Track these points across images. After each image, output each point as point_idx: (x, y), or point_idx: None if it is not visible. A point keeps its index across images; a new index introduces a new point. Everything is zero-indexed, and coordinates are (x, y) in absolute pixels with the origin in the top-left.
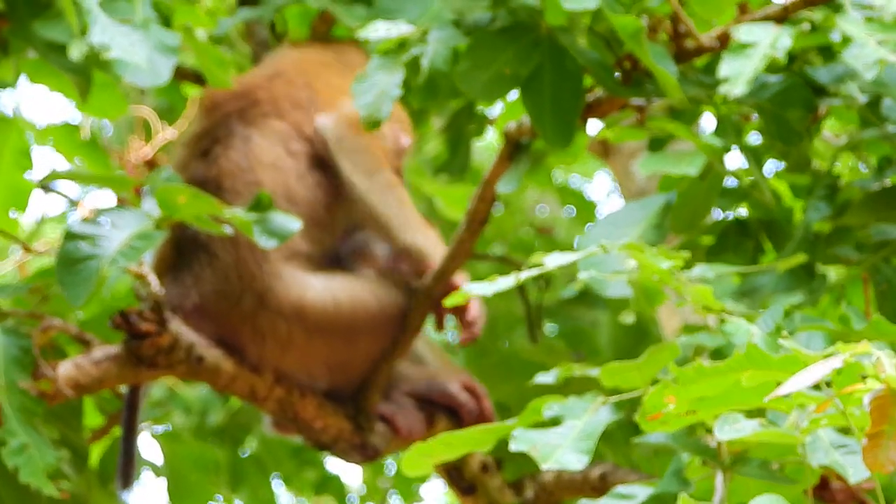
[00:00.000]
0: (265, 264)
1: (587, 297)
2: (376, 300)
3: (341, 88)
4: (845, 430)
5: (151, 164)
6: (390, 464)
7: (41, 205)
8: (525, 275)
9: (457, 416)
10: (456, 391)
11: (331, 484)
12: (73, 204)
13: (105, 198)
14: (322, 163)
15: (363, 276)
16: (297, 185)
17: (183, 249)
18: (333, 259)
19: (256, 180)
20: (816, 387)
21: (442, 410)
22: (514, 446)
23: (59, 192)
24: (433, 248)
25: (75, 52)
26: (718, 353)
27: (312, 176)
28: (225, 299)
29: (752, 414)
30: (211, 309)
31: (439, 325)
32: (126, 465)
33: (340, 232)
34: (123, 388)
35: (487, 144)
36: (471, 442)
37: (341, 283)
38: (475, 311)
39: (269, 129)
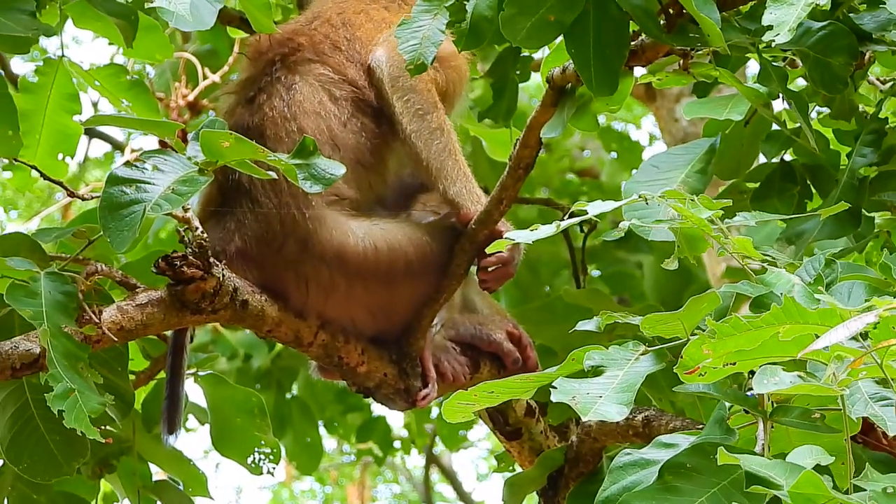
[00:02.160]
0: (308, 210)
1: (631, 240)
2: (417, 246)
3: (389, 21)
4: (883, 382)
5: (195, 109)
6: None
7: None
8: (567, 223)
9: (501, 364)
10: (501, 339)
11: (375, 428)
12: (117, 147)
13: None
14: (369, 106)
15: (406, 221)
16: (342, 130)
17: (226, 195)
18: (386, 202)
19: (299, 127)
20: (854, 339)
21: (487, 356)
22: (555, 397)
23: (103, 135)
24: (473, 201)
25: None
26: (759, 303)
27: (358, 120)
28: (267, 245)
29: (790, 366)
30: (254, 254)
31: (480, 269)
32: (171, 410)
33: (392, 175)
34: (168, 333)
35: (533, 87)
36: (512, 390)
37: (382, 228)
38: (509, 269)
39: (312, 74)
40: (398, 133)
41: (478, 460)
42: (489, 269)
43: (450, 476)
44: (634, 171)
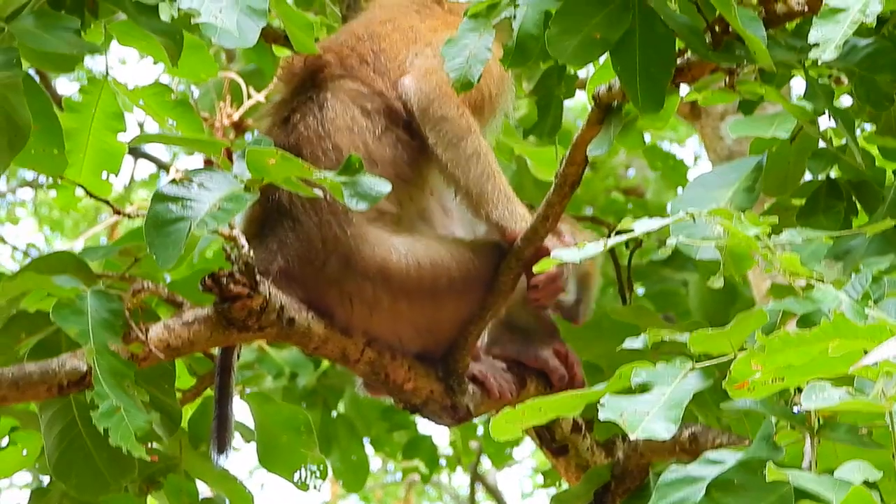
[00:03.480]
0: (349, 227)
1: (677, 258)
2: (460, 262)
3: (416, 30)
4: None
5: (239, 128)
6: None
7: (130, 167)
8: (613, 240)
9: (548, 381)
10: (548, 357)
11: (421, 446)
12: (162, 167)
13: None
14: (401, 118)
15: (449, 238)
16: (377, 144)
17: (267, 215)
18: (429, 216)
19: (334, 145)
20: None
21: (533, 373)
22: (602, 415)
23: (148, 156)
24: (518, 222)
25: (165, 14)
26: (806, 320)
27: (392, 133)
28: (310, 264)
29: (839, 381)
30: (297, 273)
31: (530, 288)
32: (221, 430)
33: (433, 187)
34: (215, 351)
35: (578, 105)
36: (560, 407)
37: (425, 245)
38: (558, 284)
39: (342, 90)
40: (436, 161)
41: (523, 478)
42: (539, 287)
43: (495, 494)
44: (679, 189)
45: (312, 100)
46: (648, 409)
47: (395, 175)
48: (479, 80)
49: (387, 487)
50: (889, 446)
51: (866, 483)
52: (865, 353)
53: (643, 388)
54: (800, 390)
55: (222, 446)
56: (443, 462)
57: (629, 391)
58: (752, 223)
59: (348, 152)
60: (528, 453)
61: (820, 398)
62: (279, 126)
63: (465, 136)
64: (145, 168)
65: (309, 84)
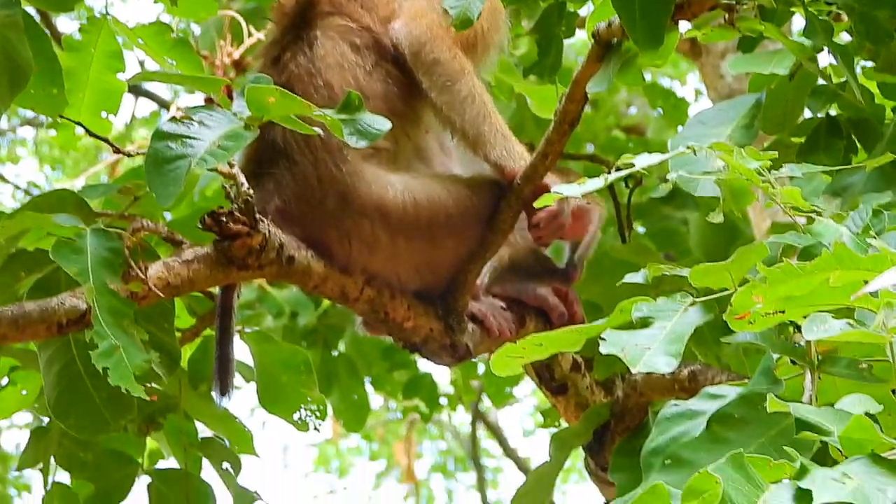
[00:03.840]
0: (344, 165)
1: (677, 196)
2: (458, 199)
3: None
4: None
5: (239, 66)
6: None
7: (131, 106)
8: (614, 175)
9: (547, 319)
10: (547, 294)
11: (421, 385)
12: (163, 105)
13: (196, 99)
14: (391, 52)
15: (447, 175)
16: (368, 79)
17: (262, 156)
18: (427, 154)
19: (325, 82)
20: None
21: (532, 312)
22: (603, 349)
23: (149, 94)
24: (516, 160)
25: None
26: (807, 253)
27: (382, 68)
28: (307, 203)
29: (840, 313)
30: (294, 213)
31: (531, 226)
32: (222, 372)
33: (428, 123)
34: (215, 290)
35: (577, 43)
36: (560, 342)
37: (423, 182)
38: (561, 220)
39: (331, 27)
40: (431, 104)
41: (524, 416)
42: (540, 225)
43: (496, 432)
44: (680, 127)
45: (302, 38)
46: (649, 344)
47: (388, 110)
48: (476, 17)
49: (388, 425)
50: (889, 380)
51: (867, 415)
52: (866, 283)
53: (644, 323)
54: (799, 328)
55: (224, 388)
56: (443, 401)
57: (630, 326)
58: (753, 157)
59: (339, 89)
60: (529, 392)
61: (821, 329)
62: (270, 66)
63: (458, 79)
64: (146, 106)
65: (299, 22)
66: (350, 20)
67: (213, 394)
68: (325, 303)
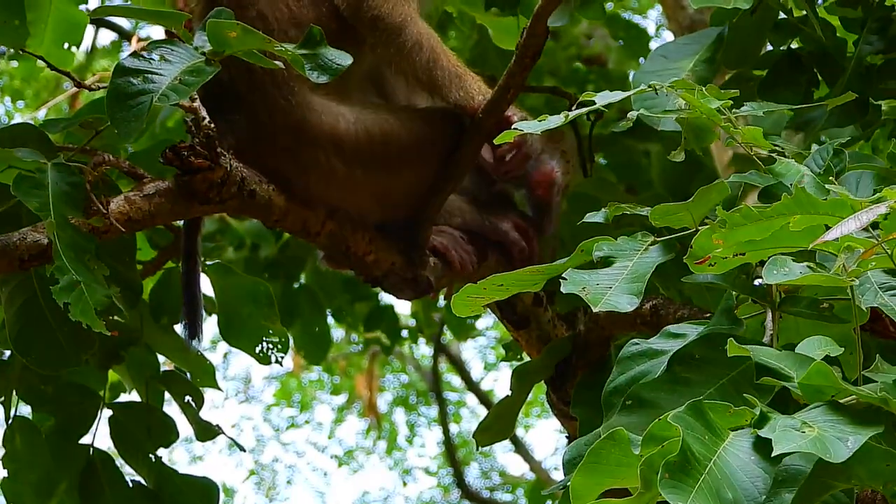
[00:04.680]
0: (293, 97)
1: (638, 129)
2: (412, 131)
3: None
4: (893, 273)
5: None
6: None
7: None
8: (575, 112)
9: (507, 254)
10: (508, 229)
11: (383, 317)
12: (124, 35)
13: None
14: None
15: (401, 107)
16: (299, 7)
17: (211, 95)
18: (380, 81)
19: (258, 13)
20: (864, 230)
21: (493, 245)
22: (564, 288)
23: (110, 24)
24: (475, 97)
25: None
26: (768, 193)
27: None
28: (261, 138)
29: (800, 256)
30: (249, 149)
31: (497, 160)
32: (191, 314)
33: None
34: (179, 225)
35: None
36: (521, 282)
37: (375, 112)
38: (525, 149)
39: None
40: (378, 56)
41: (486, 350)
42: (505, 158)
43: (458, 365)
44: (642, 59)
45: None
46: (611, 283)
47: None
48: None
49: (350, 358)
50: (850, 320)
51: (827, 358)
52: (827, 228)
53: (605, 263)
54: (762, 264)
55: (194, 331)
56: (405, 334)
57: (591, 265)
58: (714, 96)
59: (273, 18)
60: (491, 324)
61: (781, 273)
62: (207, 3)
63: (401, 29)
64: (106, 36)
65: None
66: None
67: (183, 336)
68: (287, 234)
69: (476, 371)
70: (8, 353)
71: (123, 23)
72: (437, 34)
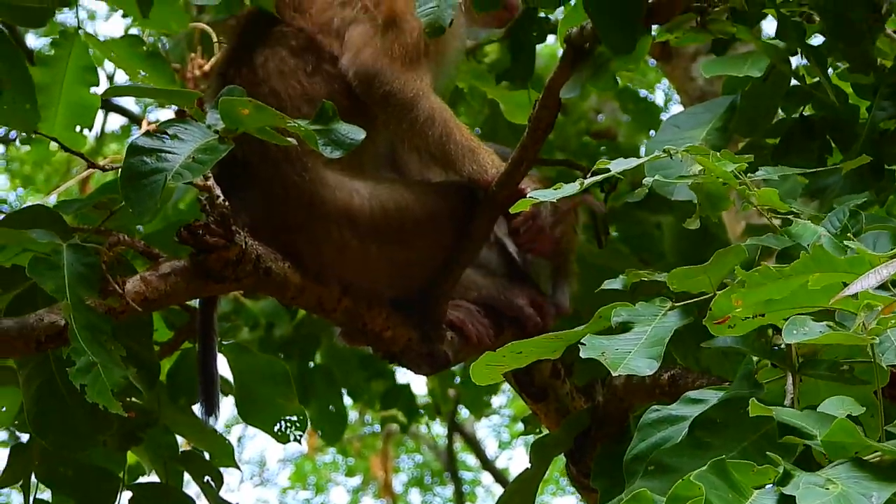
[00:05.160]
0: (306, 173)
1: (651, 201)
2: (426, 205)
3: None
4: None
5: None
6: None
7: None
8: (590, 180)
9: (523, 330)
10: (523, 305)
11: (399, 395)
12: (133, 119)
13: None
14: (328, 53)
15: (415, 182)
16: (310, 82)
17: (224, 173)
18: (390, 158)
19: (270, 90)
20: (883, 287)
21: (509, 319)
22: (584, 353)
23: (119, 108)
24: (488, 170)
25: None
26: (785, 255)
27: (324, 70)
28: (275, 215)
29: (819, 315)
30: (263, 226)
31: (512, 233)
32: (208, 391)
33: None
34: (194, 303)
35: (548, 50)
36: (540, 350)
37: (389, 187)
38: (545, 218)
39: (270, 35)
40: (391, 132)
41: (500, 428)
42: (520, 230)
43: (473, 444)
44: (652, 132)
45: (244, 48)
46: (630, 348)
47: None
48: (449, 24)
49: (365, 440)
50: (871, 381)
51: (850, 417)
52: (846, 285)
53: (624, 328)
54: (779, 331)
55: (210, 408)
56: (421, 412)
57: (609, 331)
58: (729, 160)
59: (286, 95)
60: (506, 402)
61: (801, 332)
62: (219, 82)
63: (413, 105)
64: (116, 121)
65: (245, 38)
66: (285, 25)
67: (199, 413)
68: (301, 313)
69: (491, 449)
70: (27, 436)
71: (133, 107)
72: (449, 108)
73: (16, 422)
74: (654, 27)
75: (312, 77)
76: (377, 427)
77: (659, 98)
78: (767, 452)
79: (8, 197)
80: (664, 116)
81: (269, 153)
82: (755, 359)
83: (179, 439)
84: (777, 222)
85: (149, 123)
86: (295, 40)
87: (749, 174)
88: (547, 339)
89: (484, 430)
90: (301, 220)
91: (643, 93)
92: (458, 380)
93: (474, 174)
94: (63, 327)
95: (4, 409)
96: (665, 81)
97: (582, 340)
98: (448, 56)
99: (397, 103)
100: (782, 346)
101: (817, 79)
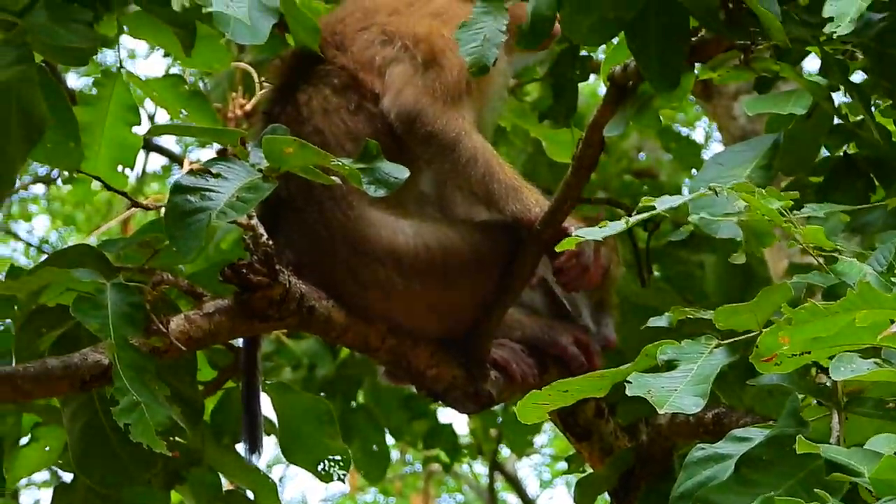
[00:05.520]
0: (351, 211)
1: (694, 240)
2: (472, 244)
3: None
4: None
5: (251, 118)
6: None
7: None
8: (635, 218)
9: (567, 369)
10: (567, 345)
11: (441, 434)
12: (174, 159)
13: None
14: (369, 90)
15: (459, 220)
16: (354, 121)
17: (269, 211)
18: (435, 196)
19: (314, 128)
20: None
21: (554, 359)
22: (630, 391)
23: (160, 148)
24: (532, 209)
25: (176, 5)
26: (831, 293)
27: (367, 108)
28: (319, 253)
29: (866, 353)
30: (308, 265)
31: (557, 271)
32: (251, 430)
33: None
34: (238, 342)
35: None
36: (586, 388)
37: (433, 226)
38: (588, 255)
39: (313, 74)
40: (434, 172)
41: (541, 467)
42: (564, 269)
43: (514, 483)
44: (694, 170)
45: (287, 88)
46: (675, 386)
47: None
48: (493, 63)
49: (406, 479)
50: None
51: None
52: (893, 322)
53: (670, 366)
54: (823, 369)
55: (254, 447)
56: (463, 451)
57: (655, 369)
58: (774, 198)
59: (330, 133)
60: (547, 441)
61: (848, 369)
62: (264, 121)
63: (455, 145)
64: (157, 161)
65: (290, 77)
66: (327, 63)
67: (243, 452)
68: (343, 353)
69: (532, 488)
70: (70, 475)
71: (173, 146)
72: (491, 146)
73: (60, 461)
74: (698, 65)
75: (356, 115)
76: (418, 466)
77: (699, 136)
78: (815, 490)
79: (49, 237)
80: (705, 154)
81: (313, 192)
82: (800, 396)
83: (223, 478)
84: (822, 260)
85: (191, 163)
86: (337, 78)
87: (793, 211)
88: (593, 378)
89: (525, 468)
90: (345, 260)
91: (684, 130)
92: (500, 419)
93: (518, 213)
94: (107, 367)
95: (49, 448)
96: (705, 119)
97: (628, 379)
98: (491, 93)
99: (439, 143)
100: (828, 383)
101: (860, 116)
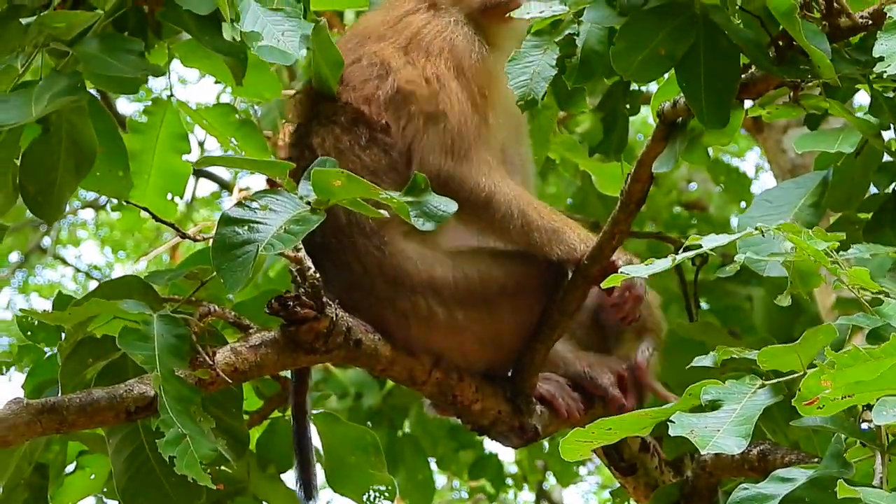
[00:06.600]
0: (385, 247)
1: (742, 273)
2: (513, 273)
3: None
4: None
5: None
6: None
7: (191, 187)
8: (682, 256)
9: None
10: (607, 385)
11: (487, 465)
12: (223, 186)
13: (257, 179)
14: (376, 122)
15: (497, 251)
16: (368, 155)
17: (311, 246)
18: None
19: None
20: None
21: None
22: (673, 431)
23: (209, 175)
24: (577, 247)
25: (227, 34)
26: (875, 335)
27: (377, 140)
28: (359, 289)
29: None
30: (349, 302)
31: (612, 306)
32: (305, 473)
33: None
34: (287, 375)
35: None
36: (630, 427)
37: (471, 256)
38: (637, 290)
39: (321, 113)
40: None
41: (588, 495)
42: (617, 303)
43: None
44: (743, 203)
45: (303, 130)
46: (719, 426)
47: (399, 182)
48: (542, 97)
49: None
50: None
51: None
52: None
53: (713, 406)
54: (869, 407)
55: (309, 492)
56: (509, 481)
57: (699, 409)
58: (821, 238)
59: (350, 169)
60: (593, 468)
61: (891, 413)
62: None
63: (488, 203)
64: (206, 186)
65: (301, 115)
66: (333, 100)
67: (298, 495)
68: (390, 383)
69: None
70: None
71: (223, 173)
72: (525, 189)
73: (105, 489)
74: (747, 102)
75: (368, 149)
76: (464, 494)
77: (749, 166)
78: None
79: (97, 262)
80: (755, 187)
81: (345, 231)
82: (844, 437)
83: None
84: (867, 300)
85: (240, 191)
86: (343, 115)
87: (840, 251)
88: (636, 417)
89: (572, 496)
90: (385, 294)
91: (735, 161)
92: (546, 448)
93: (563, 255)
94: (153, 398)
95: (94, 476)
96: (756, 149)
97: (671, 418)
98: (498, 100)
99: (473, 206)
100: (872, 424)
101: None
